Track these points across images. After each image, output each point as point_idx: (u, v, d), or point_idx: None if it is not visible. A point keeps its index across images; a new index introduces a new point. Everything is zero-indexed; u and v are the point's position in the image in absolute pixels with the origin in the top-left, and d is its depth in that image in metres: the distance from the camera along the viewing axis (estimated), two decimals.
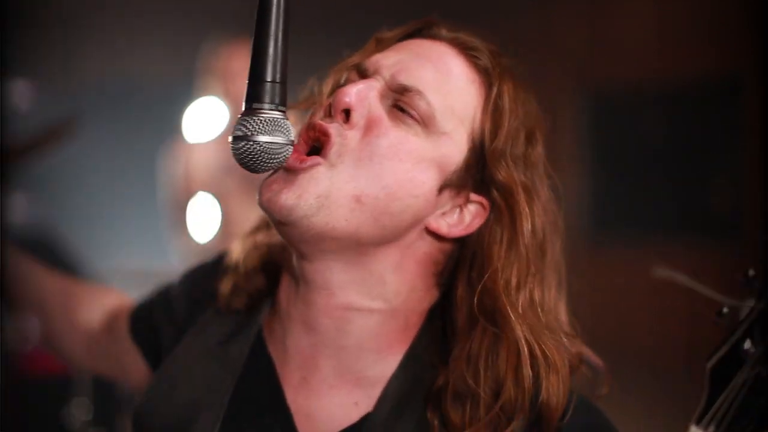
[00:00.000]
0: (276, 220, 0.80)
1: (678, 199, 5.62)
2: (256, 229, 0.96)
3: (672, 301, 5.51)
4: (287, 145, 0.74)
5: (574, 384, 0.84)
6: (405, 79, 0.82)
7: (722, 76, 5.46)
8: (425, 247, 0.85)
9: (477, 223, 0.84)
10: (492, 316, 0.81)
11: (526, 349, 0.79)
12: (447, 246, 0.85)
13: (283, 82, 0.74)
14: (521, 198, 0.82)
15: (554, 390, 0.79)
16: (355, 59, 0.88)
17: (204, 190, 2.70)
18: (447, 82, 0.84)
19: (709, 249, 5.43)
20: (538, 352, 0.79)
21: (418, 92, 0.81)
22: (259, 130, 0.73)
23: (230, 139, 0.74)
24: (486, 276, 0.81)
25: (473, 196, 0.84)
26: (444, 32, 0.88)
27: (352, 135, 0.80)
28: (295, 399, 0.86)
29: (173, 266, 2.84)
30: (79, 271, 3.95)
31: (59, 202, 5.28)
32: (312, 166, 0.78)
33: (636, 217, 5.88)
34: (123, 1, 5.86)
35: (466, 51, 0.87)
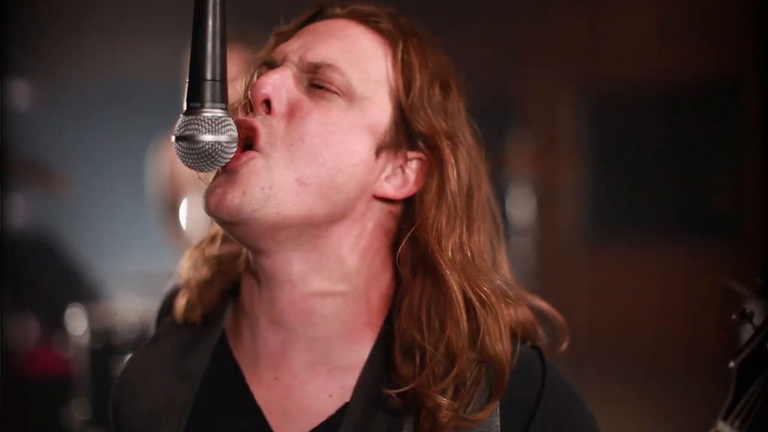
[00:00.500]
0: (227, 222, 0.79)
1: (678, 199, 5.63)
2: (201, 243, 0.96)
3: (672, 301, 5.53)
4: (231, 143, 0.74)
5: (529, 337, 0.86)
6: (313, 57, 0.83)
7: (722, 76, 5.46)
8: (376, 216, 0.86)
9: (422, 179, 0.85)
10: (427, 265, 0.82)
11: (459, 294, 0.80)
12: (396, 210, 0.86)
13: (223, 80, 0.74)
14: (445, 145, 0.84)
15: (494, 331, 0.80)
16: (260, 56, 0.89)
17: (190, 187, 2.68)
18: (354, 50, 0.85)
19: (709, 249, 5.43)
20: (471, 296, 0.80)
21: (329, 66, 0.82)
22: (203, 129, 0.73)
23: (173, 138, 0.74)
24: (416, 225, 0.83)
25: (410, 154, 0.85)
26: (338, 10, 0.89)
27: (278, 123, 0.80)
28: (269, 400, 0.85)
29: (171, 268, 2.82)
30: (79, 272, 3.96)
31: (59, 203, 5.28)
32: (248, 161, 0.78)
33: (636, 217, 5.89)
34: (123, 1, 5.86)
35: (364, 19, 0.88)
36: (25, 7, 5.64)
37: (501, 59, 6.30)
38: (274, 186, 0.78)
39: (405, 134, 0.85)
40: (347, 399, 0.83)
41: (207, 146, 0.73)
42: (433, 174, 0.84)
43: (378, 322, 0.86)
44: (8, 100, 4.84)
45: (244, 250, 0.86)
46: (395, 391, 0.79)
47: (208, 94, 0.73)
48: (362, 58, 0.85)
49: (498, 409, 0.81)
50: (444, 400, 0.78)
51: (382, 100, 0.85)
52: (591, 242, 6.24)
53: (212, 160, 0.74)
